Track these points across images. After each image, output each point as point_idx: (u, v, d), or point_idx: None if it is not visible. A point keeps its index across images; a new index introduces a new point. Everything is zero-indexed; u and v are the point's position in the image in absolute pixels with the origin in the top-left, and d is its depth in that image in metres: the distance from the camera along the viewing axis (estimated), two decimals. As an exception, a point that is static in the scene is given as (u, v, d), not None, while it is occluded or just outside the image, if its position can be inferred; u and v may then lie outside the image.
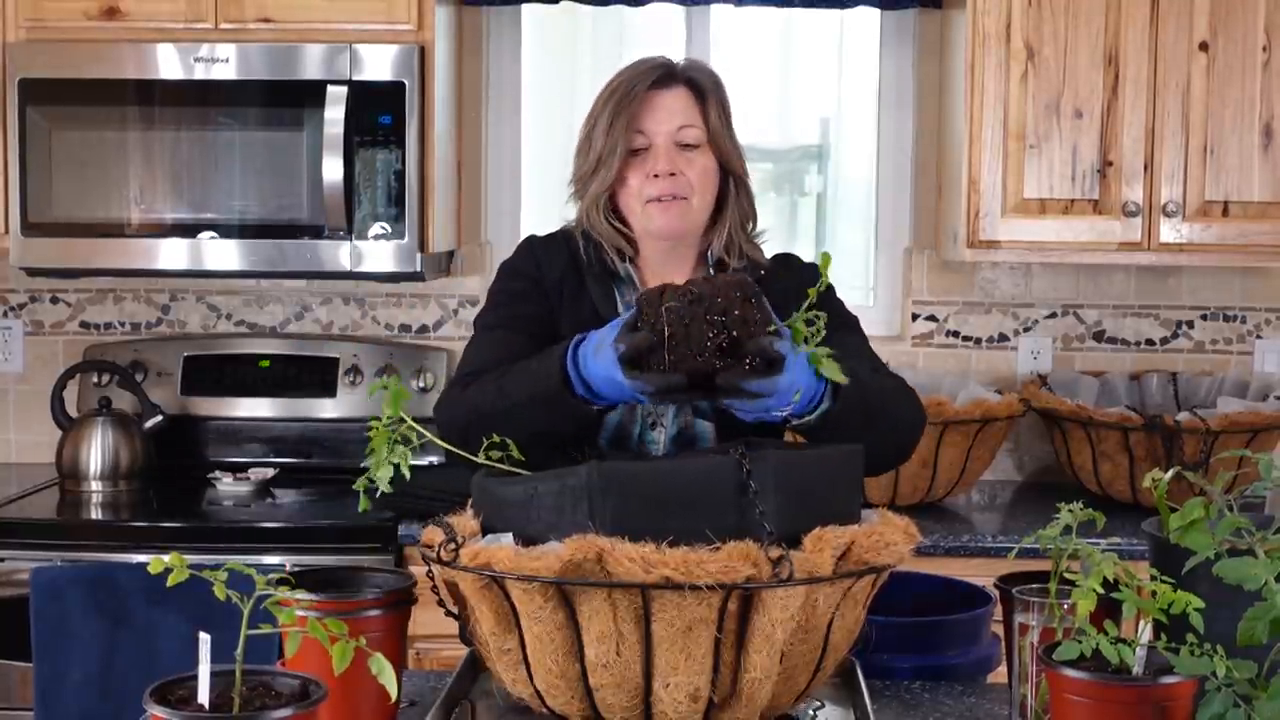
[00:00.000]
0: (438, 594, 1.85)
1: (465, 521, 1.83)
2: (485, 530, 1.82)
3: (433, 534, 1.77)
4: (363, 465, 1.84)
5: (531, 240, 2.33)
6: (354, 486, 1.84)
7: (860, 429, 1.99)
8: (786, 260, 2.32)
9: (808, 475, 1.76)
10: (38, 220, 3.48)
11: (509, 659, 1.75)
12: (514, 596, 1.68)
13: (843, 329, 2.16)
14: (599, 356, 1.89)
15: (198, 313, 3.93)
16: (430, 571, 1.84)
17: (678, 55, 2.27)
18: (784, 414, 1.93)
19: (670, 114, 2.19)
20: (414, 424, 1.83)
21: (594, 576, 1.63)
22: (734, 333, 1.84)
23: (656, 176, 2.17)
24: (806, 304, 1.90)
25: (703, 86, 2.21)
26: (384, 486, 1.81)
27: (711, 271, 2.24)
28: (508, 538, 1.77)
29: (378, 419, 1.83)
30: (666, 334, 1.83)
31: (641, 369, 1.86)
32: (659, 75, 2.19)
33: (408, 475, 1.82)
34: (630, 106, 2.17)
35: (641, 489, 1.68)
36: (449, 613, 1.87)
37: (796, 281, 2.15)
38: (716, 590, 1.61)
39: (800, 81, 4.11)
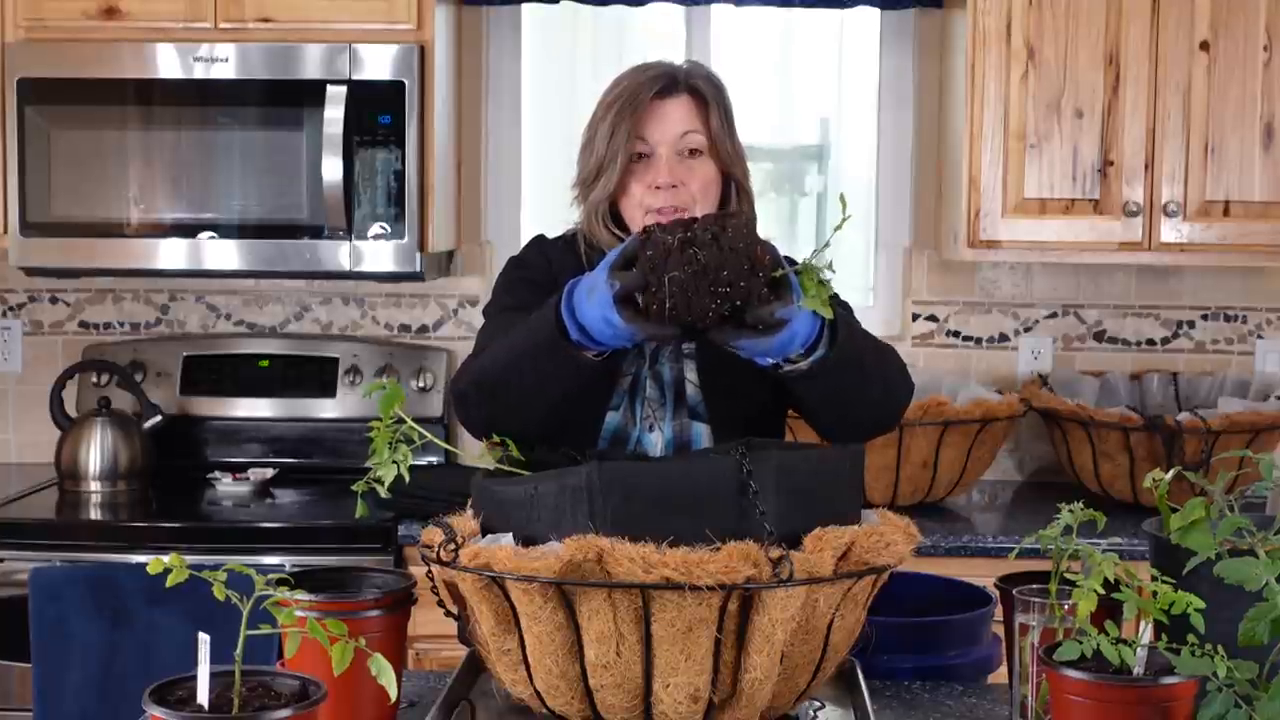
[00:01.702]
0: (437, 595, 1.84)
1: (465, 521, 1.83)
2: (485, 530, 1.82)
3: (432, 534, 1.77)
4: (365, 466, 1.84)
5: (541, 239, 2.33)
6: (352, 488, 1.84)
7: (853, 385, 1.99)
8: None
9: (808, 475, 1.76)
10: (37, 220, 3.48)
11: (509, 659, 1.75)
12: (514, 597, 1.68)
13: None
14: (593, 298, 1.85)
15: (197, 313, 3.93)
16: (430, 572, 1.83)
17: (679, 57, 2.26)
18: (774, 361, 1.91)
19: (673, 122, 2.17)
20: (414, 424, 1.83)
21: (594, 577, 1.63)
22: (737, 302, 1.79)
23: (658, 188, 2.16)
24: (823, 245, 1.85)
25: (705, 94, 2.20)
26: (381, 491, 1.81)
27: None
28: (508, 538, 1.77)
29: (378, 420, 1.83)
30: (668, 305, 1.77)
31: (636, 309, 1.81)
32: (663, 84, 2.18)
33: (407, 477, 1.82)
34: (633, 115, 2.15)
35: (642, 489, 1.68)
36: (449, 613, 1.87)
37: None
38: (716, 590, 1.61)
39: (800, 81, 4.10)
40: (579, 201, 2.24)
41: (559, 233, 2.33)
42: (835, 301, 1.90)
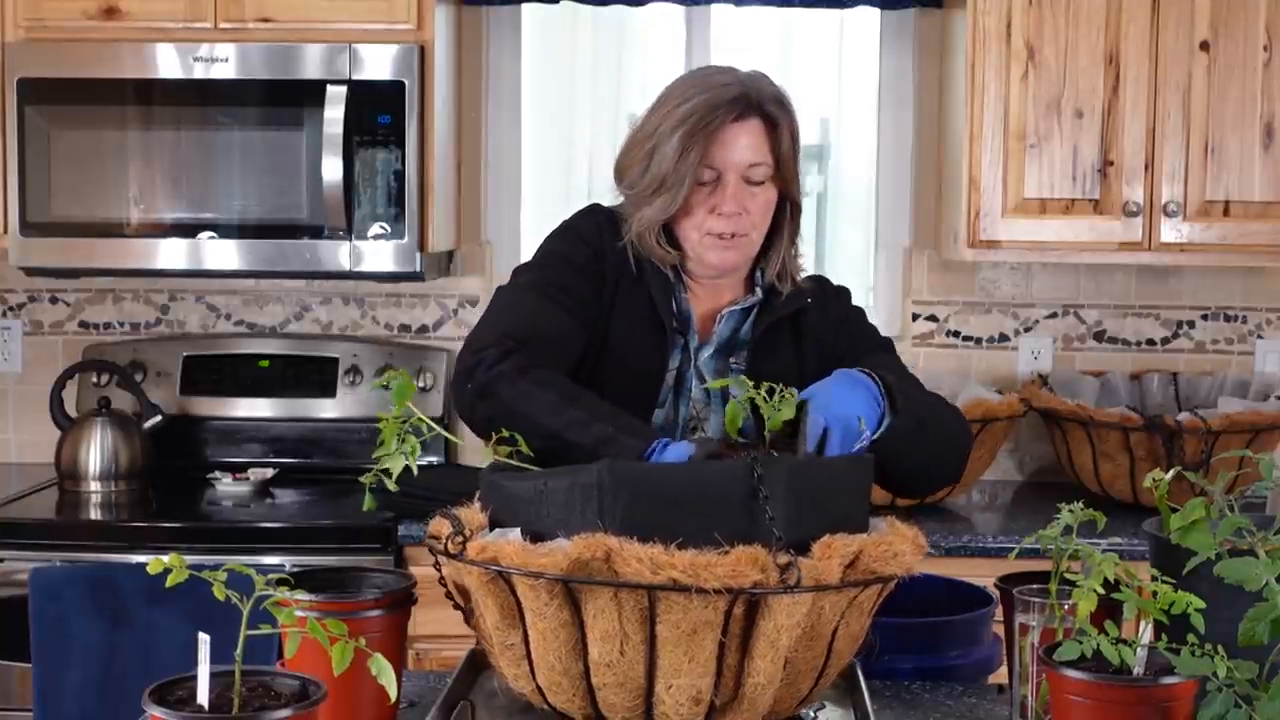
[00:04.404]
0: (445, 585, 1.84)
1: (473, 514, 1.82)
2: (493, 524, 1.82)
3: (440, 525, 1.77)
4: (365, 466, 1.84)
5: (598, 211, 2.23)
6: (360, 480, 1.84)
7: (917, 443, 2.03)
8: (821, 285, 2.29)
9: (818, 482, 1.76)
10: (37, 220, 3.48)
11: (512, 654, 1.75)
12: (520, 592, 1.68)
13: (879, 350, 2.18)
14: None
15: (197, 313, 3.93)
16: (437, 563, 1.83)
17: (745, 66, 2.17)
18: (866, 438, 1.95)
19: (743, 149, 2.12)
20: (423, 416, 1.84)
21: (601, 575, 1.63)
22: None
23: (722, 214, 2.12)
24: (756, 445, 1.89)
25: (776, 118, 2.15)
26: (390, 484, 1.81)
27: (758, 291, 2.22)
28: (515, 533, 1.76)
29: (381, 418, 1.84)
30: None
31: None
32: (739, 110, 2.11)
33: (414, 470, 1.82)
34: (706, 140, 2.09)
35: (652, 489, 1.68)
36: (457, 605, 1.87)
37: (834, 304, 2.25)
38: (723, 594, 1.61)
39: (800, 81, 4.09)
40: (630, 206, 2.17)
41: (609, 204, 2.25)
42: (883, 347, 2.13)
